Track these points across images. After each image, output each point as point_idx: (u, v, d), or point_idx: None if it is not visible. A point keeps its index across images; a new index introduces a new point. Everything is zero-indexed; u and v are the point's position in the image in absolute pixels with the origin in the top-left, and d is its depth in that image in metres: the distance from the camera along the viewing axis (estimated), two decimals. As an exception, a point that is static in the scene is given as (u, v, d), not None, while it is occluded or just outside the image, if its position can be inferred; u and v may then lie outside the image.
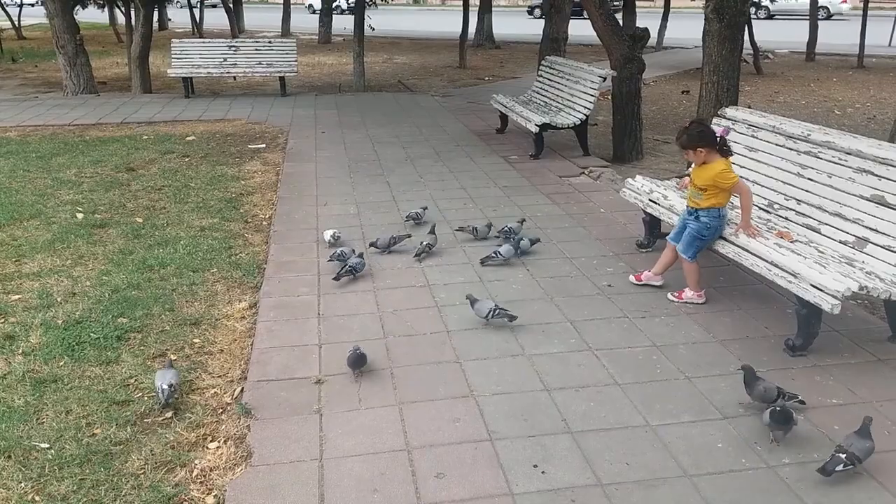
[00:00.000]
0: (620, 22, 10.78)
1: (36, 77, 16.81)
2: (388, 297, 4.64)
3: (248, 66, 12.98)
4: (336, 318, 4.36)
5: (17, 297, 4.67)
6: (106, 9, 27.32)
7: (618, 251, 5.43)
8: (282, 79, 13.14)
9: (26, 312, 4.43)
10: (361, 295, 4.68)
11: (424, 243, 5.33)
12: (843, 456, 2.89)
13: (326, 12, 25.16)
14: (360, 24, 14.29)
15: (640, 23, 13.35)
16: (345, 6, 20.45)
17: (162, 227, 5.97)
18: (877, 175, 4.09)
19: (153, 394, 3.56)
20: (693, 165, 4.57)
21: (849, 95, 13.63)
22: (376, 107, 11.99)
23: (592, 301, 4.58)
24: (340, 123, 10.46)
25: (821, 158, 4.52)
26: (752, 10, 24.22)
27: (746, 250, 4.19)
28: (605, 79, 8.20)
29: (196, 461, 3.09)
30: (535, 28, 20.18)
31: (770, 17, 35.57)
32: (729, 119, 5.49)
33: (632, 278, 4.81)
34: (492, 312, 4.15)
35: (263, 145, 9.08)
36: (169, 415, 3.41)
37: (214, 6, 36.41)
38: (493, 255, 5.12)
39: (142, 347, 4.03)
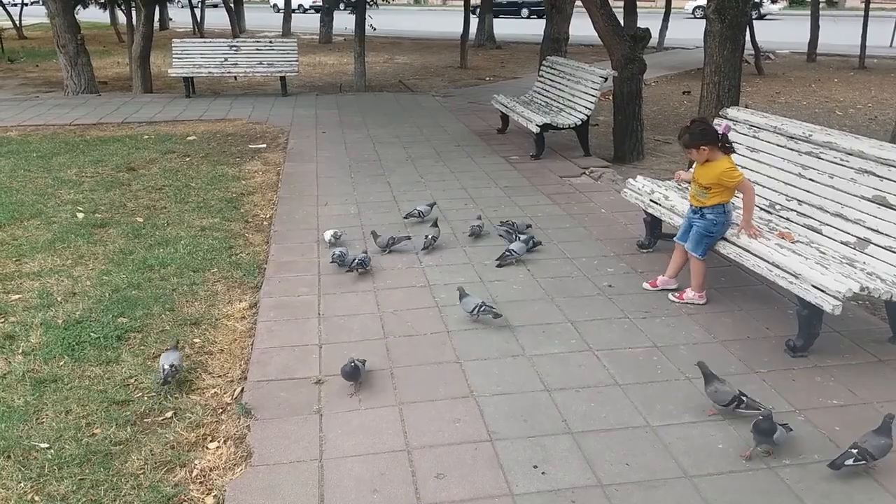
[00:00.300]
0: (621, 22, 10.76)
1: (37, 77, 16.83)
2: (388, 298, 4.63)
3: (249, 66, 12.99)
4: (336, 319, 4.36)
5: (17, 296, 4.67)
6: (107, 8, 27.33)
7: (619, 252, 5.42)
8: (283, 79, 13.14)
9: (26, 312, 4.43)
10: (362, 295, 4.68)
11: (430, 237, 5.36)
12: (855, 451, 2.88)
13: (327, 12, 25.18)
14: (361, 23, 14.30)
15: (641, 23, 13.34)
16: (307, 5, 20.48)
17: (162, 227, 5.97)
18: (878, 176, 4.09)
19: (153, 393, 3.56)
20: (695, 164, 4.56)
21: (850, 96, 13.62)
22: (377, 107, 11.99)
23: (593, 301, 4.58)
24: (341, 123, 10.46)
25: (822, 159, 4.51)
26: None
27: (748, 251, 4.18)
28: (606, 79, 8.20)
29: (196, 461, 3.09)
30: (533, 28, 20.18)
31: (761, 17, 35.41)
32: (730, 119, 5.48)
33: (646, 285, 4.77)
34: (477, 308, 4.18)
35: (264, 145, 9.08)
36: (169, 415, 3.41)
37: (215, 6, 36.44)
38: (508, 253, 5.14)
39: (142, 347, 4.03)
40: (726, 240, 4.37)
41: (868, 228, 4.04)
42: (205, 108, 11.61)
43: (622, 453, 3.10)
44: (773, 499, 2.84)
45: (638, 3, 17.97)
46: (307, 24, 29.94)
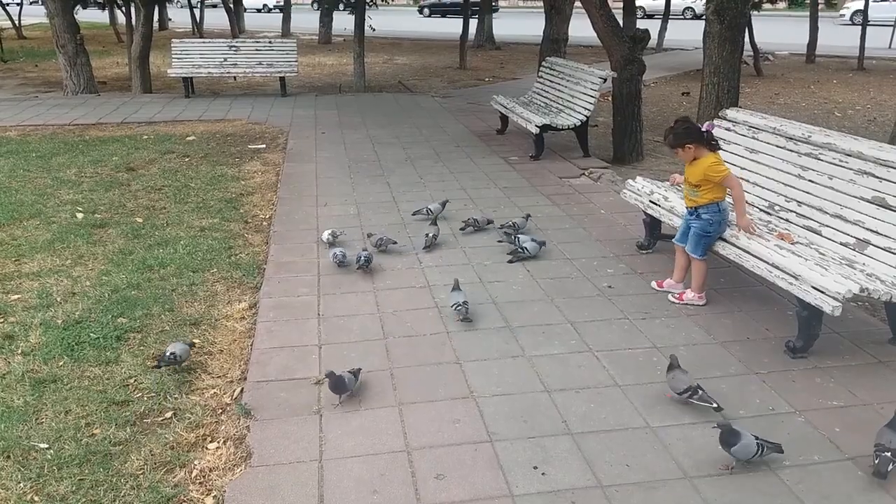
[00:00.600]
0: (621, 23, 10.77)
1: (36, 77, 16.81)
2: (388, 298, 4.63)
3: (249, 67, 12.98)
4: (336, 319, 4.36)
5: (16, 296, 4.66)
6: (106, 8, 27.32)
7: (618, 252, 5.42)
8: (282, 79, 13.14)
9: (26, 312, 4.43)
10: (361, 296, 4.68)
11: (431, 235, 5.37)
12: (890, 454, 2.88)
13: (327, 12, 25.17)
14: (360, 24, 14.30)
15: (640, 24, 13.35)
16: (272, 4, 20.50)
17: (162, 227, 5.97)
18: (877, 177, 4.09)
19: (153, 394, 3.56)
20: (686, 164, 4.58)
21: (849, 97, 13.63)
22: (376, 107, 11.99)
23: (593, 302, 4.58)
24: (340, 124, 10.46)
25: (822, 160, 4.52)
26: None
27: (747, 252, 4.18)
28: (605, 80, 8.20)
29: (195, 462, 3.09)
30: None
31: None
32: (730, 120, 5.49)
33: (654, 284, 4.79)
34: (456, 305, 4.30)
35: (263, 145, 9.07)
36: (168, 415, 3.40)
37: (215, 6, 36.42)
38: (520, 249, 5.16)
39: (141, 347, 4.03)
40: (726, 241, 4.38)
41: (867, 229, 4.04)
42: (204, 109, 11.61)
43: (622, 454, 3.10)
44: (772, 500, 2.84)
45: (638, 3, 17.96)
46: (307, 24, 29.93)
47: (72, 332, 4.16)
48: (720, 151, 4.47)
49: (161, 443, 3.20)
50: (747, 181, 5.01)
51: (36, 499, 2.87)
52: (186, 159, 8.31)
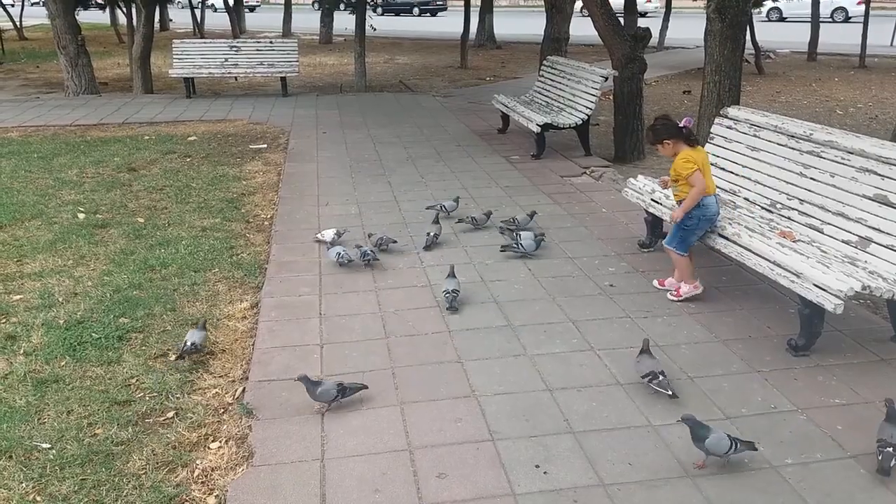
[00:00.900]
0: (622, 22, 10.76)
1: (37, 77, 16.83)
2: (389, 297, 4.63)
3: (250, 67, 12.99)
4: (337, 318, 4.36)
5: (18, 297, 4.67)
6: (107, 9, 27.34)
7: (620, 251, 5.42)
8: (283, 79, 13.15)
9: (28, 312, 4.43)
10: (363, 295, 4.68)
11: (432, 234, 5.38)
12: (892, 450, 2.88)
13: (327, 12, 25.18)
14: (361, 24, 14.30)
15: (641, 23, 13.35)
16: (254, 2, 20.58)
17: (163, 228, 5.97)
18: (880, 175, 4.08)
19: (155, 394, 3.57)
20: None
21: (851, 95, 13.61)
22: (378, 107, 11.99)
23: (594, 301, 4.58)
24: (342, 123, 10.46)
25: (823, 158, 4.51)
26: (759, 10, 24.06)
27: (749, 250, 4.18)
28: (606, 79, 8.19)
29: (197, 461, 3.09)
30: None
31: (782, 19, 33.64)
32: (731, 119, 5.48)
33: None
34: (446, 292, 4.41)
35: (265, 145, 9.08)
36: (170, 415, 3.41)
37: (215, 10, 36.43)
38: (515, 245, 5.16)
39: (143, 347, 4.03)
40: (727, 239, 4.37)
41: (869, 227, 4.03)
42: (205, 109, 11.62)
43: (624, 453, 3.10)
44: (774, 498, 2.84)
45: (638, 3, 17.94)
46: (307, 24, 29.94)
47: (74, 332, 4.17)
48: (719, 149, 4.48)
49: (163, 442, 3.20)
50: (749, 179, 5.01)
51: (38, 499, 2.87)
52: (188, 159, 8.31)
